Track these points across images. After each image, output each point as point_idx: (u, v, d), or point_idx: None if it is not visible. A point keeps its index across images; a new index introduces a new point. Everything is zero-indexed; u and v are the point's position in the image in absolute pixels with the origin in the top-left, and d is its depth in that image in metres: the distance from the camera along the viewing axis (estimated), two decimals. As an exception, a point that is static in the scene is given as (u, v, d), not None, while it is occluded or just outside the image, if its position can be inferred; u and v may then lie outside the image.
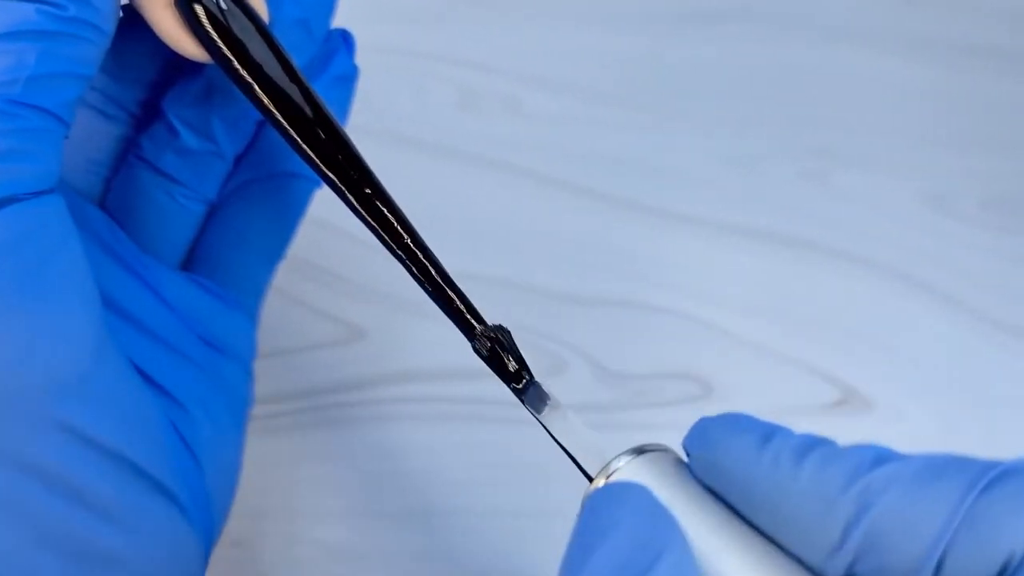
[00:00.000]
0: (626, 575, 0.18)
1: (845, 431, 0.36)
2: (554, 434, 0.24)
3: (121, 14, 0.24)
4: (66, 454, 0.22)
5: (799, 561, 0.19)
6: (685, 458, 0.22)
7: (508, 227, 0.41)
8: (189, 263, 0.29)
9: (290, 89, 0.25)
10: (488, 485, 0.35)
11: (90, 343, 0.23)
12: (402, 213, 0.25)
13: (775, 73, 0.46)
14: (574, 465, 0.23)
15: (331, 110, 0.25)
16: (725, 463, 0.20)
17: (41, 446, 0.22)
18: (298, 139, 0.25)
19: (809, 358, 0.38)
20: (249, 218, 0.29)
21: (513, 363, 0.25)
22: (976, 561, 0.18)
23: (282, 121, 0.25)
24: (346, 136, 0.25)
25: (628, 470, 0.21)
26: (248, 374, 0.29)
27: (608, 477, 0.21)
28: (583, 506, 0.21)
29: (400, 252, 0.25)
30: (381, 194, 0.25)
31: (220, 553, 0.32)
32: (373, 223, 0.25)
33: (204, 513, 0.26)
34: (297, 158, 0.25)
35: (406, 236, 0.25)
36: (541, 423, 0.24)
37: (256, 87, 0.24)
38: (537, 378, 0.25)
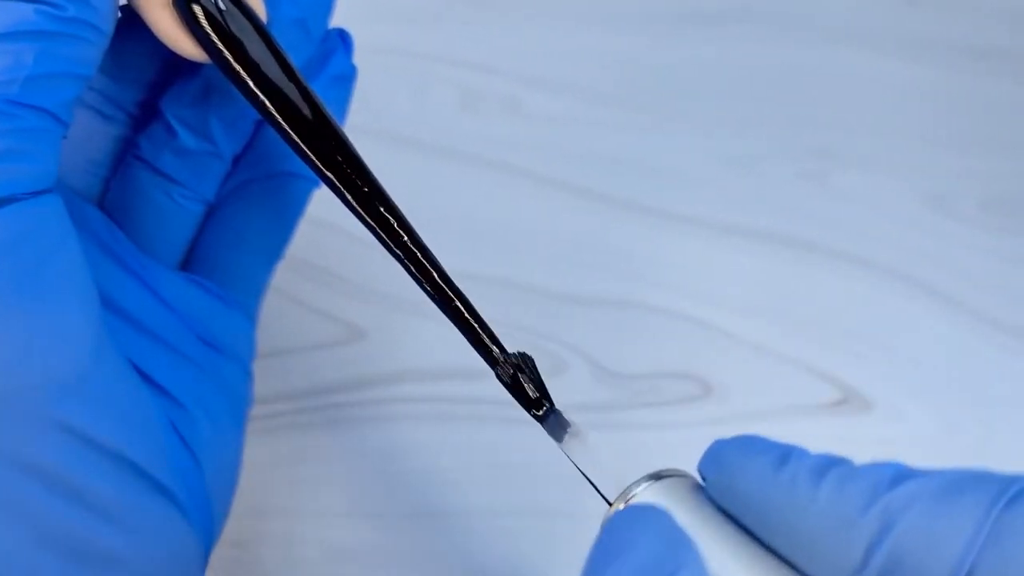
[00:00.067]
0: None
1: (845, 431, 0.37)
2: (575, 461, 0.24)
3: (119, 14, 0.24)
4: (65, 454, 0.22)
5: None
6: (702, 482, 0.22)
7: (507, 227, 0.41)
8: (188, 263, 0.29)
9: (288, 89, 0.25)
10: (488, 485, 0.35)
11: (89, 343, 0.23)
12: (400, 212, 0.25)
13: (775, 73, 0.46)
14: (596, 492, 0.23)
15: (329, 110, 0.25)
16: (741, 486, 0.20)
17: (40, 446, 0.22)
18: (296, 139, 0.25)
19: (809, 358, 0.38)
20: (248, 218, 0.29)
21: (534, 391, 0.25)
22: None
23: (280, 121, 0.25)
24: (344, 136, 0.25)
25: (646, 494, 0.21)
26: (247, 374, 0.29)
27: (627, 501, 0.22)
28: (601, 528, 0.21)
29: (398, 251, 0.25)
30: (379, 193, 0.25)
31: (220, 553, 0.32)
32: (371, 222, 0.25)
33: (204, 513, 0.26)
34: (295, 158, 0.25)
35: (404, 235, 0.25)
36: (562, 451, 0.24)
37: (254, 87, 0.24)
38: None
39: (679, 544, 0.20)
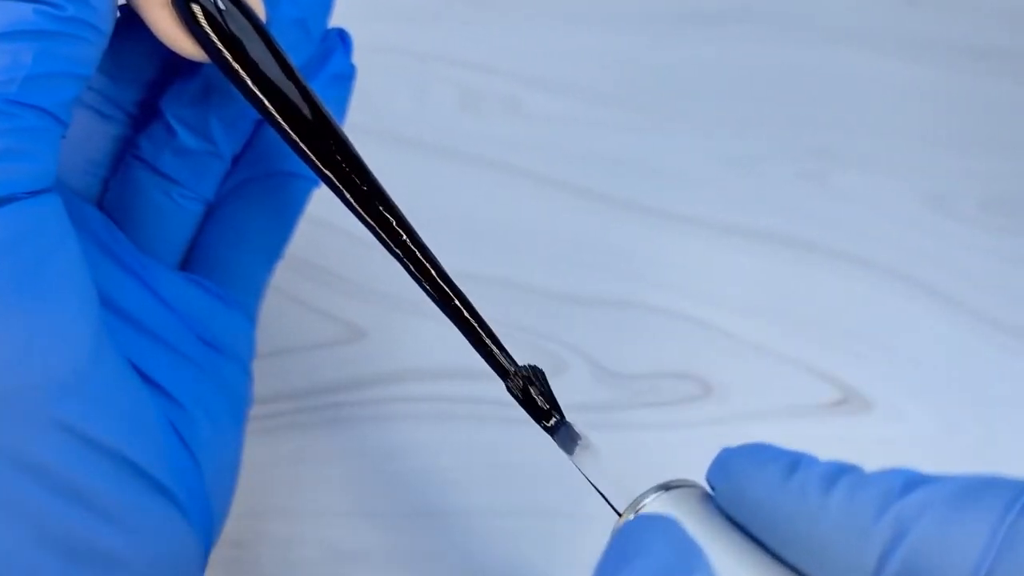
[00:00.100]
0: None
1: (845, 431, 0.37)
2: (585, 473, 0.24)
3: (118, 14, 0.24)
4: (64, 453, 0.22)
5: None
6: (710, 491, 0.22)
7: (507, 227, 0.41)
8: (187, 263, 0.29)
9: (288, 88, 0.25)
10: (487, 485, 0.35)
11: (88, 342, 0.23)
12: (400, 211, 0.25)
13: (775, 73, 0.46)
14: (607, 504, 0.23)
15: (329, 109, 0.25)
16: (750, 495, 0.20)
17: (39, 445, 0.22)
18: (296, 138, 0.25)
19: (809, 358, 0.38)
20: (247, 217, 0.29)
21: (544, 403, 0.25)
22: None
23: (280, 120, 0.25)
24: (344, 135, 0.25)
25: (656, 505, 0.22)
26: (247, 373, 0.29)
27: (637, 511, 0.22)
28: (611, 537, 0.22)
29: (398, 250, 0.25)
30: (379, 193, 0.25)
31: (220, 553, 0.32)
32: (371, 222, 0.25)
33: (203, 513, 0.26)
34: (295, 157, 0.25)
35: (404, 234, 0.25)
36: (573, 462, 0.24)
37: (254, 86, 0.24)
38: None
39: (689, 553, 0.19)
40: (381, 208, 0.25)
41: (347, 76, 0.29)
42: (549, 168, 0.42)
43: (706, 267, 0.40)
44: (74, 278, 0.23)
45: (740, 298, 0.39)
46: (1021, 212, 0.42)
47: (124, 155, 0.28)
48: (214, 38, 0.24)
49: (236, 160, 0.29)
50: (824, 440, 0.37)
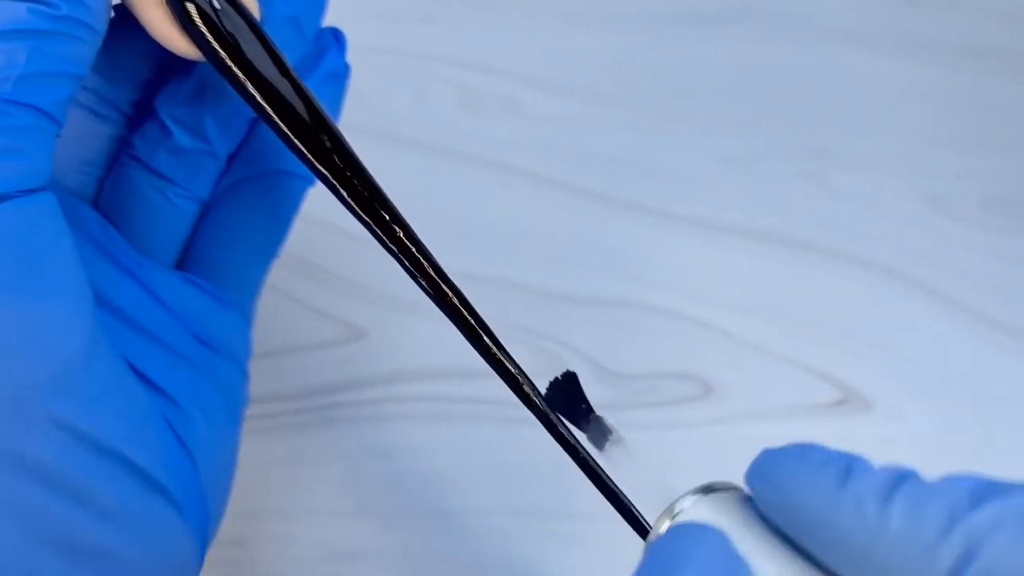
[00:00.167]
0: None
1: (845, 431, 0.37)
2: (616, 473, 0.23)
3: (113, 13, 0.24)
4: (60, 451, 0.22)
5: None
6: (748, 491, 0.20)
7: (506, 227, 0.41)
8: (183, 262, 0.29)
9: (283, 86, 0.25)
10: (485, 485, 0.35)
11: (83, 341, 0.23)
12: (396, 209, 0.25)
13: (773, 73, 0.46)
14: (633, 513, 0.23)
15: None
16: (799, 505, 0.19)
17: (35, 443, 0.22)
18: (291, 136, 0.25)
19: (808, 358, 0.38)
20: (242, 216, 0.29)
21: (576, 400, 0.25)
22: None
23: (275, 118, 0.25)
24: (339, 133, 0.25)
25: (696, 511, 0.20)
26: (243, 373, 0.29)
27: (674, 517, 0.20)
28: (647, 548, 0.20)
29: (394, 247, 0.25)
30: (374, 190, 0.25)
31: (217, 553, 0.32)
32: (367, 218, 0.25)
33: (199, 511, 0.26)
34: (290, 156, 0.25)
35: (399, 230, 0.25)
36: (604, 460, 0.24)
37: (249, 85, 0.24)
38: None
39: (735, 571, 0.18)
40: (377, 205, 0.25)
41: (341, 75, 0.29)
42: (547, 168, 0.42)
43: (705, 267, 0.40)
44: (69, 276, 0.23)
45: (739, 298, 0.39)
46: (1020, 212, 0.42)
47: (119, 154, 0.28)
48: (209, 37, 0.24)
49: (231, 159, 0.29)
50: (824, 440, 0.36)
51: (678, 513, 0.20)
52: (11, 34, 0.22)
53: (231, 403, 0.28)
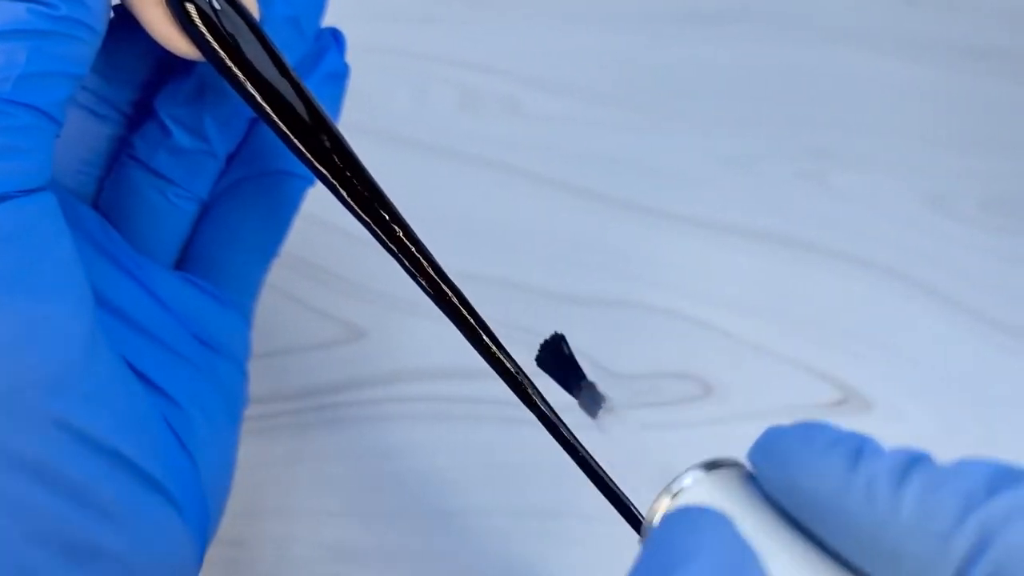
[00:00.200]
0: None
1: (844, 431, 0.36)
2: (609, 443, 0.22)
3: (112, 13, 0.24)
4: (59, 450, 0.22)
5: None
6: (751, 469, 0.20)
7: (506, 227, 0.41)
8: (182, 262, 0.29)
9: (283, 86, 0.25)
10: (484, 485, 0.35)
11: (82, 340, 0.23)
12: (395, 208, 0.25)
13: (773, 73, 0.46)
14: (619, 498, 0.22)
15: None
16: (806, 487, 0.18)
17: (35, 442, 0.22)
18: (291, 136, 0.25)
19: (808, 358, 0.38)
20: (242, 216, 0.29)
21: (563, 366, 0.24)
22: None
23: (275, 118, 0.25)
24: (339, 133, 0.25)
25: (697, 491, 0.19)
26: (243, 372, 0.29)
27: (674, 495, 0.19)
28: (646, 531, 0.20)
29: (393, 246, 0.25)
30: (374, 189, 0.25)
31: (216, 552, 0.32)
32: (366, 218, 0.25)
33: (199, 511, 0.26)
34: (290, 156, 0.25)
35: (399, 229, 0.25)
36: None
37: (249, 85, 0.24)
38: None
39: (743, 561, 0.18)
40: (377, 205, 0.25)
41: (341, 75, 0.29)
42: (547, 168, 0.42)
43: (705, 267, 0.40)
44: (68, 276, 0.23)
45: (739, 298, 0.39)
46: (1020, 212, 0.42)
47: (119, 155, 0.28)
48: (209, 37, 0.24)
49: (231, 159, 0.29)
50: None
51: (678, 492, 0.20)
52: (11, 34, 0.22)
53: (231, 403, 0.28)
